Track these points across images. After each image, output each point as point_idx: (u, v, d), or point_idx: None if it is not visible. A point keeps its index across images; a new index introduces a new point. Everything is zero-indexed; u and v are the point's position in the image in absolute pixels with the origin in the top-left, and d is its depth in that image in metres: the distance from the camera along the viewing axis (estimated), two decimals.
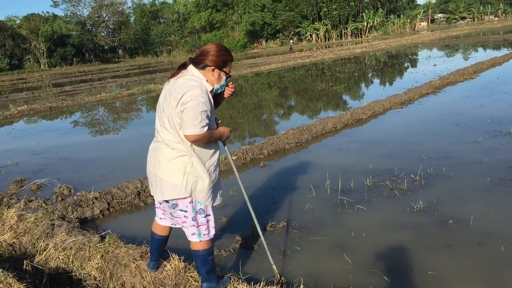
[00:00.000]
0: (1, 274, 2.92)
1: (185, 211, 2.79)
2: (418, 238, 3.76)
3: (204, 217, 2.83)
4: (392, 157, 6.11)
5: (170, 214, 2.92)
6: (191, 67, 2.76)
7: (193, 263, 3.10)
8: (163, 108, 2.71)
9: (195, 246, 2.87)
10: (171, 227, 3.10)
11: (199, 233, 2.83)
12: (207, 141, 2.69)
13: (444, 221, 4.02)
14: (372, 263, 3.41)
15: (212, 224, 2.87)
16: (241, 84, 19.05)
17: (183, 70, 2.77)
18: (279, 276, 3.15)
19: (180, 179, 2.68)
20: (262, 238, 3.27)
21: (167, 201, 2.85)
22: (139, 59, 64.38)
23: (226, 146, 3.11)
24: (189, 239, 2.87)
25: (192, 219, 2.80)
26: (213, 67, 2.73)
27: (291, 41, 51.99)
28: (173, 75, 2.79)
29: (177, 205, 2.80)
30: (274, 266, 3.23)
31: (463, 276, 3.18)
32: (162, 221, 3.05)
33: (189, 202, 2.75)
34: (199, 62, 2.74)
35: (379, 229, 4.00)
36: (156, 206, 3.05)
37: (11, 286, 2.84)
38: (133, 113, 13.75)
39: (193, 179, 2.70)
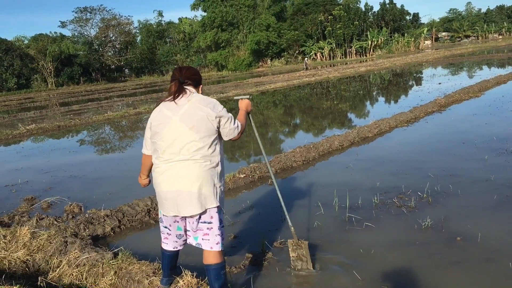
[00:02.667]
0: None
1: (210, 223, 2.91)
2: (427, 255, 3.79)
3: (222, 227, 2.99)
4: (399, 174, 6.17)
5: (178, 236, 3.07)
6: (190, 88, 3.02)
7: (206, 279, 3.16)
8: (182, 131, 2.85)
9: (212, 259, 2.95)
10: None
11: (221, 244, 2.97)
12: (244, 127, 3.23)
13: (452, 238, 4.06)
14: (381, 280, 3.45)
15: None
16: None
17: (184, 92, 2.96)
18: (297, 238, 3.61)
19: (212, 190, 2.87)
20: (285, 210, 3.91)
21: (186, 217, 2.94)
22: (145, 78, 65.07)
23: (249, 115, 3.62)
24: (212, 249, 2.94)
25: (218, 229, 2.93)
26: (201, 85, 3.18)
27: (306, 59, 52.28)
28: (172, 98, 2.93)
29: (201, 217, 2.91)
30: (292, 228, 3.77)
31: None
32: (164, 245, 3.15)
33: (216, 212, 2.91)
34: (198, 82, 3.11)
35: (388, 246, 4.04)
36: (161, 231, 3.15)
37: None
38: (140, 131, 13.88)
39: (219, 188, 2.93)
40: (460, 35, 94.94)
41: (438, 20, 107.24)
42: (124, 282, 3.42)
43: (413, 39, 68.07)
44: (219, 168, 2.93)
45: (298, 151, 7.54)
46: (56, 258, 3.96)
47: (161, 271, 3.36)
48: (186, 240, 3.12)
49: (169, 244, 3.13)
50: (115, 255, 3.80)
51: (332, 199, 5.27)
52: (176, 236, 3.07)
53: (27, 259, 4.17)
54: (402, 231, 4.32)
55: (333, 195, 5.34)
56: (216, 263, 2.94)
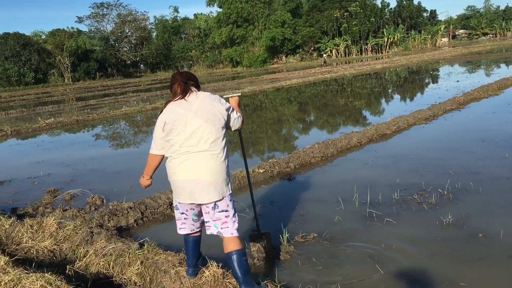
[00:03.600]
0: (51, 277, 3.08)
1: (226, 211, 3.10)
2: (448, 251, 3.81)
3: (236, 213, 3.20)
4: (418, 172, 6.17)
5: (194, 220, 3.25)
6: (194, 88, 3.22)
7: (230, 270, 3.23)
8: (198, 124, 3.02)
9: (233, 246, 3.09)
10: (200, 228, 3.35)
11: (238, 229, 3.16)
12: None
13: (474, 234, 4.07)
14: (403, 274, 3.48)
15: None
16: (261, 99, 19.27)
17: (191, 91, 3.16)
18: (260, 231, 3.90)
19: (226, 178, 3.09)
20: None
21: (200, 205, 3.12)
22: (160, 73, 65.42)
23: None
24: (232, 235, 3.11)
25: (234, 216, 3.14)
26: (199, 87, 3.34)
27: (325, 55, 52.06)
28: (181, 97, 3.11)
29: (218, 206, 3.08)
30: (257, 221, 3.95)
31: (495, 287, 3.23)
32: (182, 230, 3.29)
33: (230, 200, 3.13)
34: (197, 84, 3.30)
35: (409, 241, 4.07)
36: (176, 218, 3.29)
37: None
38: None
39: (229, 177, 3.15)
40: (478, 32, 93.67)
41: (456, 17, 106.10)
42: (151, 271, 3.50)
43: (430, 37, 67.34)
44: (228, 159, 3.17)
45: (316, 147, 7.57)
46: (83, 247, 4.06)
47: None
48: (201, 224, 3.31)
49: (187, 228, 3.28)
50: (141, 245, 3.89)
51: (352, 195, 5.29)
52: (193, 220, 3.26)
53: (54, 249, 4.28)
54: (423, 227, 4.33)
55: (353, 191, 5.37)
56: (237, 249, 3.09)
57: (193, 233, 3.33)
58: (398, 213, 4.74)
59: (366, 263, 3.71)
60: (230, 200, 3.15)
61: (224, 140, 3.14)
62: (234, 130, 3.40)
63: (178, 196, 3.15)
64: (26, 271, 3.27)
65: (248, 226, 4.71)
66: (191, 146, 3.03)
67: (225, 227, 3.10)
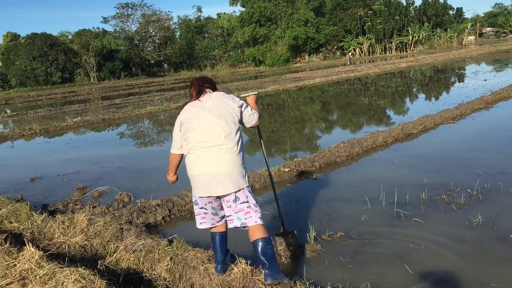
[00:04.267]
0: (85, 272, 3.16)
1: (247, 202, 3.23)
2: (479, 252, 3.77)
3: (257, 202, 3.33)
4: (446, 171, 6.09)
5: (214, 214, 3.37)
6: (209, 90, 3.47)
7: (260, 267, 3.26)
8: (211, 120, 3.23)
9: (259, 234, 3.20)
10: (226, 223, 3.43)
11: (261, 217, 3.27)
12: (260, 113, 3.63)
13: (504, 235, 4.00)
14: (432, 274, 3.45)
15: None
16: (284, 98, 19.25)
17: (205, 92, 3.43)
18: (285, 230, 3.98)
19: (241, 171, 3.22)
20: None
21: (219, 198, 3.26)
22: (184, 73, 65.85)
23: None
24: (257, 223, 3.23)
25: (255, 205, 3.27)
26: (216, 89, 3.58)
27: (350, 54, 51.74)
28: (196, 98, 3.40)
29: (239, 198, 3.21)
30: (282, 221, 4.02)
31: None
32: (202, 225, 3.40)
33: (248, 191, 3.26)
34: (214, 87, 3.53)
35: (438, 241, 4.02)
36: (195, 213, 3.41)
37: (93, 282, 3.07)
38: None
39: (244, 170, 3.27)
40: (506, 30, 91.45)
41: (483, 15, 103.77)
42: (180, 268, 3.55)
43: (456, 35, 66.09)
44: (243, 153, 3.30)
45: (342, 146, 7.54)
46: (113, 243, 4.15)
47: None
48: (221, 218, 3.42)
49: (207, 222, 3.41)
50: (170, 242, 3.94)
51: (378, 195, 5.26)
52: (212, 214, 3.38)
53: (85, 244, 4.38)
54: (452, 228, 4.28)
55: (380, 190, 5.33)
56: (263, 237, 3.20)
57: (214, 227, 3.44)
58: (426, 213, 4.69)
59: (395, 263, 3.69)
60: (249, 192, 3.28)
61: (238, 135, 3.28)
62: (250, 127, 3.56)
63: (197, 190, 3.29)
64: (60, 266, 3.36)
65: (274, 224, 4.73)
66: (205, 141, 3.21)
67: (248, 217, 3.23)
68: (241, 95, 4.17)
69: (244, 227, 3.29)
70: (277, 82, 26.80)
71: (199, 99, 3.38)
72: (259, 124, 3.62)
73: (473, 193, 5.09)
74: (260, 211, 3.29)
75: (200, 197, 3.31)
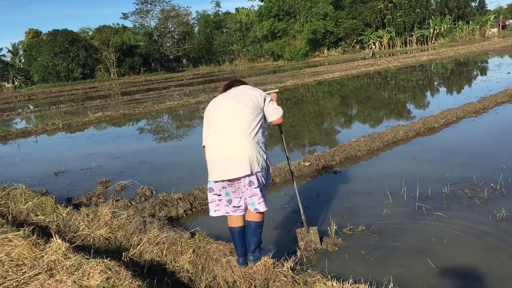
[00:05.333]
0: (110, 263, 3.23)
1: (260, 188, 3.30)
2: (503, 246, 3.73)
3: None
4: (469, 166, 6.02)
5: (228, 201, 3.40)
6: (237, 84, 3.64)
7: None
8: (230, 104, 3.35)
9: (255, 217, 3.40)
10: (244, 217, 3.48)
11: (265, 203, 3.37)
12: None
13: None
14: (455, 269, 3.43)
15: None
16: (302, 93, 19.19)
17: (233, 87, 3.60)
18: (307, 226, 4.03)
19: (256, 156, 3.24)
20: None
21: (234, 183, 3.32)
22: (202, 68, 66.11)
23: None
24: (260, 210, 3.34)
25: (264, 193, 3.38)
26: None
27: (373, 46, 51.42)
28: (224, 91, 3.61)
29: (253, 182, 3.26)
30: (303, 217, 4.05)
31: None
32: (216, 212, 3.45)
33: (262, 177, 3.32)
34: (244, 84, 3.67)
35: (461, 236, 3.99)
36: (210, 201, 3.47)
37: (119, 273, 3.13)
38: (201, 120, 14.21)
39: (261, 157, 3.30)
40: None
41: (506, 6, 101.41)
42: (203, 260, 3.60)
43: (478, 27, 64.85)
44: (261, 140, 3.33)
45: (362, 140, 7.50)
46: (137, 236, 4.22)
47: None
48: (236, 208, 3.42)
49: (221, 210, 3.46)
50: (192, 235, 4.00)
51: (399, 189, 5.23)
52: (226, 201, 3.41)
53: (109, 237, 4.46)
54: (476, 222, 4.24)
55: (401, 184, 5.31)
56: (257, 221, 3.41)
57: (230, 219, 3.47)
58: (448, 207, 4.65)
59: (417, 257, 3.67)
60: (263, 178, 3.35)
61: (257, 121, 3.32)
62: (273, 123, 3.58)
63: (211, 175, 3.34)
64: (86, 257, 3.43)
65: (294, 218, 4.74)
66: (222, 124, 3.30)
67: (261, 201, 3.30)
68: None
69: None
70: (296, 77, 26.71)
71: (226, 92, 3.56)
72: (282, 122, 3.63)
73: (496, 187, 5.02)
74: (264, 197, 3.39)
75: (215, 181, 3.36)
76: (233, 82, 3.68)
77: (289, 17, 57.83)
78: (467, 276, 3.32)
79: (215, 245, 3.70)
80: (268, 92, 3.96)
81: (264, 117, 3.47)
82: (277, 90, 4.12)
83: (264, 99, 3.45)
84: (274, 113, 3.49)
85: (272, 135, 9.46)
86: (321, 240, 4.07)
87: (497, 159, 6.18)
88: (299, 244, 3.99)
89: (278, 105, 3.64)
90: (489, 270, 3.38)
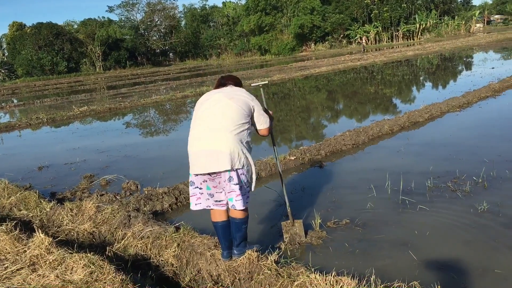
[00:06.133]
0: (94, 257, 3.21)
1: (239, 185, 3.27)
2: (484, 238, 3.79)
3: (248, 187, 3.41)
4: (452, 159, 6.09)
5: (209, 195, 3.40)
6: (230, 83, 3.64)
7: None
8: (221, 100, 3.35)
9: (238, 214, 3.38)
10: (227, 212, 3.47)
11: (248, 202, 3.40)
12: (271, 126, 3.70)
13: (510, 222, 4.02)
14: (437, 260, 3.48)
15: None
16: (289, 87, 19.21)
17: (226, 86, 3.61)
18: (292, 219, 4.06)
19: (237, 153, 3.21)
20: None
21: (215, 177, 3.31)
22: (189, 62, 65.77)
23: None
24: (243, 207, 3.31)
25: (247, 192, 3.37)
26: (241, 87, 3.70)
27: (363, 41, 51.68)
28: (216, 88, 3.62)
29: (233, 178, 3.24)
30: (289, 209, 4.08)
31: None
32: (197, 206, 3.44)
33: (243, 176, 3.30)
34: (238, 84, 3.68)
35: (443, 228, 4.05)
36: (191, 194, 3.46)
37: (102, 268, 3.12)
38: (188, 114, 14.17)
39: (243, 156, 3.26)
40: None
41: (491, 2, 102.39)
42: (187, 254, 3.60)
43: (463, 22, 65.41)
44: (246, 139, 3.31)
45: (347, 134, 7.54)
46: (121, 230, 4.20)
47: None
48: (217, 202, 3.43)
49: (202, 203, 3.45)
50: (177, 229, 3.99)
51: (384, 182, 5.28)
52: (208, 194, 3.41)
53: (94, 231, 4.44)
54: (458, 215, 4.30)
55: (385, 178, 5.35)
56: (240, 217, 3.39)
57: (213, 213, 3.48)
58: (431, 200, 4.71)
59: (400, 249, 3.72)
60: (245, 178, 3.31)
61: (244, 121, 3.30)
62: (260, 132, 3.60)
63: (192, 167, 3.33)
64: (70, 251, 3.41)
65: (280, 212, 4.77)
66: (209, 117, 3.29)
67: (238, 199, 3.26)
68: (252, 85, 4.24)
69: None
70: (283, 71, 26.72)
71: (218, 89, 3.56)
72: (267, 134, 3.65)
73: (478, 180, 5.09)
74: (247, 199, 3.39)
75: (195, 175, 3.35)
76: (225, 80, 3.67)
77: (276, 11, 57.75)
78: (449, 268, 3.36)
79: (199, 238, 3.71)
80: (258, 83, 3.99)
81: (252, 123, 3.49)
82: (267, 81, 4.13)
83: (255, 105, 3.46)
84: (261, 121, 3.52)
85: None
86: (305, 234, 4.10)
87: (479, 152, 6.26)
88: (284, 237, 4.01)
89: (270, 113, 3.71)
90: (470, 262, 3.43)
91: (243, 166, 3.27)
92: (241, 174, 3.28)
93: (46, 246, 3.52)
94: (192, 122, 3.45)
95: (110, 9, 70.36)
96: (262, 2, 55.89)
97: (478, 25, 74.42)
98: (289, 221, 4.10)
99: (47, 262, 3.30)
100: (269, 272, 3.11)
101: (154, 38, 68.66)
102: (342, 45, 59.61)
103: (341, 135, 7.58)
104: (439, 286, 2.94)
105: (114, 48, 59.16)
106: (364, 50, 44.02)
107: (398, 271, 3.35)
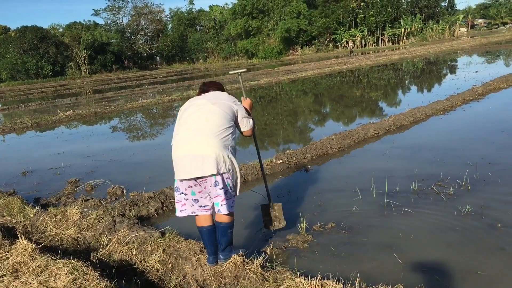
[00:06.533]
0: (78, 264, 3.18)
1: (225, 190, 3.28)
2: (467, 241, 3.83)
3: (233, 191, 3.41)
4: (436, 162, 6.15)
5: (194, 200, 3.38)
6: (213, 89, 3.67)
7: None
8: (204, 104, 3.38)
9: (224, 219, 3.39)
10: (212, 217, 3.47)
11: (233, 207, 3.41)
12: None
13: (493, 224, 4.07)
14: (421, 263, 3.51)
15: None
16: (276, 91, 19.26)
17: (209, 91, 3.64)
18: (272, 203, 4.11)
19: (223, 157, 3.22)
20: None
21: (201, 183, 3.32)
22: (176, 66, 65.61)
23: None
24: (228, 212, 3.33)
25: (232, 197, 3.39)
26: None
27: (352, 44, 52.11)
28: (198, 95, 3.64)
29: (218, 183, 3.24)
30: (268, 192, 4.14)
31: None
32: (183, 212, 3.43)
33: (229, 180, 3.30)
34: (220, 89, 3.70)
35: (427, 231, 4.09)
36: (176, 201, 3.44)
37: (86, 274, 3.09)
38: (175, 118, 14.11)
39: (229, 160, 3.27)
40: (497, 22, 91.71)
41: (475, 6, 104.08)
42: (173, 259, 3.58)
43: (448, 26, 66.25)
44: (230, 143, 3.33)
45: (333, 138, 7.58)
46: (106, 236, 4.17)
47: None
48: (202, 207, 3.42)
49: (188, 209, 3.44)
50: (162, 234, 3.98)
51: (369, 186, 5.32)
52: (193, 200, 3.40)
53: (78, 237, 4.40)
54: (442, 217, 4.34)
55: (371, 181, 5.39)
56: (226, 222, 3.41)
57: (198, 219, 3.46)
58: (416, 203, 4.75)
59: (385, 252, 3.74)
60: (230, 182, 3.32)
61: (228, 126, 3.32)
62: (244, 133, 3.61)
63: (177, 173, 3.32)
64: (53, 258, 3.38)
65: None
66: (193, 122, 3.30)
67: (224, 204, 3.28)
68: (230, 72, 4.30)
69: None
70: (270, 75, 26.79)
71: (201, 95, 3.60)
72: (251, 134, 3.69)
73: (462, 183, 5.15)
74: (233, 204, 3.41)
75: (180, 180, 3.34)
76: (207, 86, 3.69)
77: (263, 15, 57.92)
78: (433, 270, 3.40)
79: (185, 243, 3.69)
80: (236, 71, 4.10)
81: (236, 126, 3.52)
82: (245, 70, 4.26)
83: (239, 109, 3.50)
84: (247, 124, 3.56)
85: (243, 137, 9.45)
86: (292, 237, 4.10)
87: (463, 155, 6.34)
88: (263, 220, 4.05)
89: (250, 112, 3.73)
90: (453, 264, 3.47)
91: (229, 170, 3.27)
92: (226, 179, 3.28)
93: (29, 252, 3.47)
94: (175, 128, 3.46)
95: (96, 13, 70.08)
96: (249, 6, 56.06)
97: (462, 29, 75.46)
98: (267, 204, 4.12)
99: (30, 269, 3.26)
100: (254, 276, 3.11)
101: (141, 41, 68.43)
102: (329, 49, 59.97)
103: (327, 139, 7.62)
104: None
105: (100, 52, 58.81)
106: (351, 53, 44.44)
107: (383, 274, 3.37)
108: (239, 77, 4.19)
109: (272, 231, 4.24)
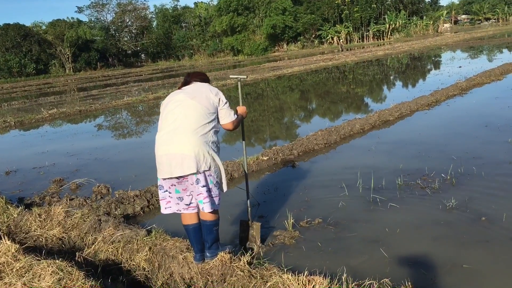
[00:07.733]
0: (62, 264, 3.14)
1: (207, 187, 3.26)
2: (452, 234, 3.87)
3: (218, 188, 3.38)
4: (421, 157, 6.20)
5: (178, 198, 3.36)
6: (195, 80, 3.61)
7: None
8: (183, 100, 3.32)
9: (208, 216, 3.37)
10: (198, 214, 3.45)
11: (219, 204, 3.39)
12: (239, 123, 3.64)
13: (477, 218, 4.12)
14: (408, 257, 3.54)
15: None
16: (262, 87, 19.25)
17: (190, 83, 3.57)
18: (251, 220, 3.98)
19: (203, 155, 3.18)
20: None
21: (183, 181, 3.29)
22: (162, 63, 65.14)
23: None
24: (211, 209, 3.31)
25: (215, 193, 3.34)
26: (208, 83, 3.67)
27: (341, 41, 52.32)
28: (179, 88, 3.57)
29: (200, 181, 3.22)
30: (249, 209, 4.03)
31: (498, 269, 3.29)
32: (167, 210, 3.40)
33: (210, 176, 3.26)
34: (204, 81, 3.65)
35: (413, 225, 4.12)
36: (160, 198, 3.41)
37: (71, 274, 3.06)
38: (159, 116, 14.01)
39: (210, 158, 3.23)
40: (480, 17, 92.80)
41: (458, 2, 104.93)
42: (159, 257, 3.56)
43: (431, 22, 66.82)
44: (212, 139, 3.29)
45: (319, 134, 7.60)
46: (91, 235, 4.13)
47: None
48: (188, 205, 3.39)
49: (173, 207, 3.40)
50: (149, 232, 3.95)
51: (355, 181, 5.34)
52: (177, 198, 3.37)
53: (63, 237, 4.35)
54: (427, 211, 4.39)
55: (357, 176, 5.41)
56: (211, 220, 3.39)
57: (184, 217, 3.44)
58: (401, 197, 4.79)
59: (371, 247, 3.76)
60: (213, 179, 3.28)
61: (208, 121, 3.27)
62: (224, 127, 3.51)
63: (159, 172, 3.29)
64: (37, 258, 3.33)
65: (253, 213, 4.75)
66: (172, 121, 3.26)
67: (206, 201, 3.26)
68: (231, 76, 4.27)
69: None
70: (256, 71, 26.75)
71: (183, 88, 3.52)
72: (232, 128, 3.53)
73: (447, 177, 5.20)
74: (219, 199, 3.39)
75: (163, 179, 3.31)
76: (190, 78, 3.62)
77: (248, 11, 57.76)
78: (419, 264, 3.42)
79: (171, 242, 3.67)
80: (237, 76, 4.10)
81: (217, 119, 3.45)
82: (245, 77, 4.21)
83: (219, 100, 3.41)
84: (226, 116, 3.45)
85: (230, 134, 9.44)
86: (279, 233, 4.10)
87: (448, 150, 6.40)
88: (240, 236, 4.01)
89: (242, 114, 3.72)
90: (439, 258, 3.50)
91: (210, 167, 3.23)
92: (208, 176, 3.25)
93: (12, 253, 3.42)
94: (158, 124, 3.44)
95: (80, 10, 69.23)
96: (234, 3, 55.84)
97: (445, 25, 76.24)
98: (247, 221, 4.07)
99: (14, 270, 3.21)
100: (242, 273, 3.10)
101: (125, 39, 67.73)
102: (314, 45, 60.08)
103: (313, 135, 7.64)
104: (409, 283, 3.00)
105: (84, 50, 58.08)
106: (341, 49, 44.55)
107: (369, 269, 3.39)
108: (238, 82, 4.17)
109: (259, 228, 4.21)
